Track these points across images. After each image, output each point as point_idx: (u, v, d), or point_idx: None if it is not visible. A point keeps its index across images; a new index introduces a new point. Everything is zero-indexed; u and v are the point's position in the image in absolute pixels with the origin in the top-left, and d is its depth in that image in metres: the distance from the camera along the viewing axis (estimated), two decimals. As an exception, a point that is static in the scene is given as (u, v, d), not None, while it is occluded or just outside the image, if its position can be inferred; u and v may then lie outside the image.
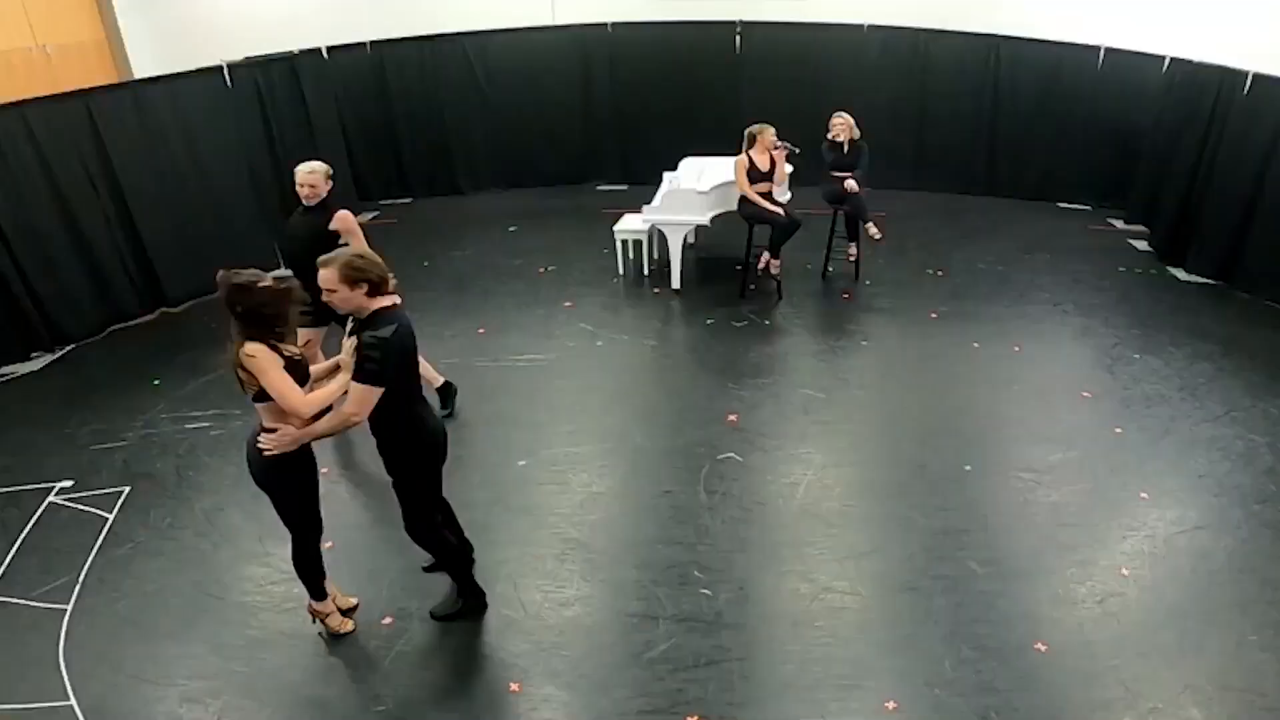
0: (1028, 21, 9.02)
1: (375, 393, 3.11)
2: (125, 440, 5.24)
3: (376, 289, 3.12)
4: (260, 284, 3.05)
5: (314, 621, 3.73)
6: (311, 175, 4.70)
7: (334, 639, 3.69)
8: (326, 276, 3.07)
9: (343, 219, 4.72)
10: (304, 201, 4.77)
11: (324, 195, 4.75)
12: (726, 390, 5.65)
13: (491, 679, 3.50)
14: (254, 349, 3.03)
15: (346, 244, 4.49)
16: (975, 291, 7.12)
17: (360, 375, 3.09)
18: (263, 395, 3.11)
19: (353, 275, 3.07)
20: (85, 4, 8.72)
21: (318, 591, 3.64)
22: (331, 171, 4.80)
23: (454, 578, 3.81)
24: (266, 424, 3.19)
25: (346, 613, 3.80)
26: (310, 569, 3.58)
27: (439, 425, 3.49)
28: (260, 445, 3.16)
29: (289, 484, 3.33)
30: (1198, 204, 7.41)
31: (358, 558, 4.20)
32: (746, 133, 6.62)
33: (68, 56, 8.41)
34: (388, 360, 3.09)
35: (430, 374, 5.18)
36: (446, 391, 5.34)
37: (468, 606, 3.82)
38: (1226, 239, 7.14)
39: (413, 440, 3.36)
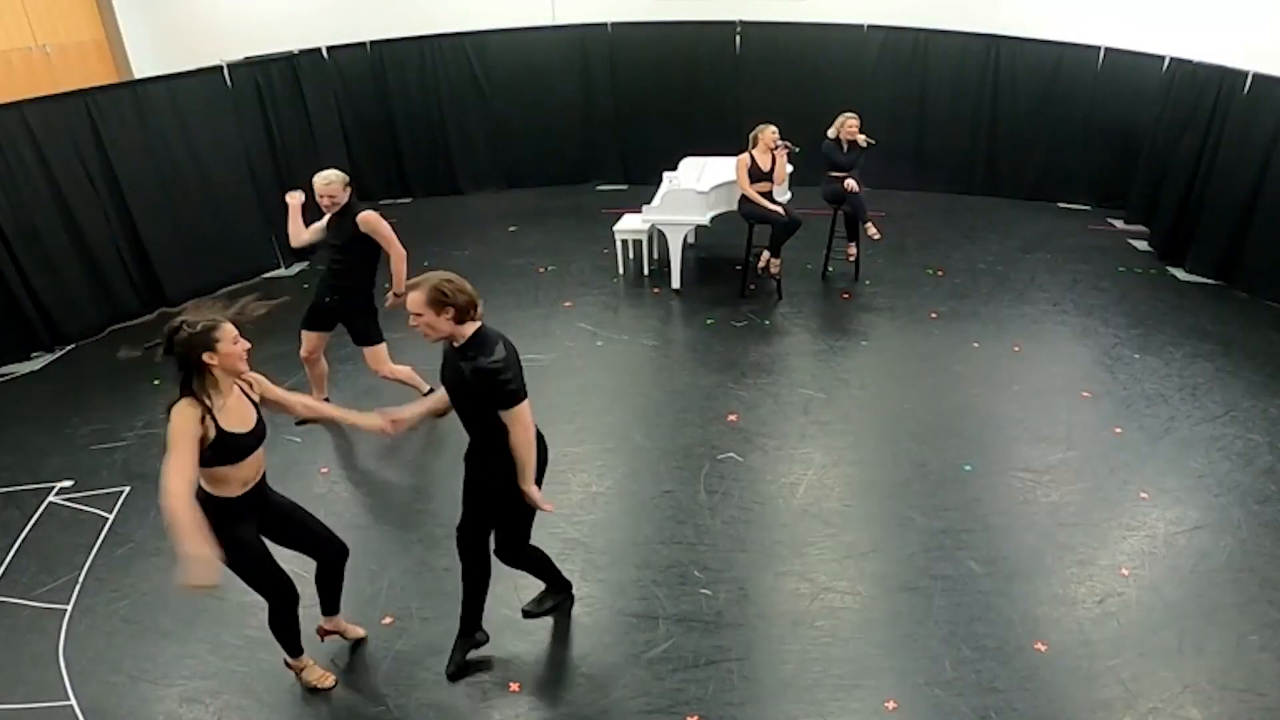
0: (1028, 21, 9.01)
1: (527, 406, 3.07)
2: (125, 440, 5.24)
3: (464, 314, 3.00)
4: (186, 325, 2.79)
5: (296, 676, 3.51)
6: (329, 186, 4.70)
7: (313, 693, 3.45)
8: (415, 300, 2.96)
9: (365, 220, 4.75)
10: (324, 211, 4.78)
11: (343, 202, 4.75)
12: (726, 390, 5.65)
13: (491, 679, 3.50)
14: (177, 417, 2.82)
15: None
16: (975, 291, 7.12)
17: (509, 401, 3.00)
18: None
19: (439, 299, 2.93)
20: (85, 4, 8.72)
21: (292, 650, 3.41)
22: (349, 179, 4.80)
23: (547, 580, 3.73)
24: (201, 484, 2.95)
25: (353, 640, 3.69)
26: (280, 630, 3.32)
27: (543, 439, 3.36)
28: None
29: (221, 549, 2.88)
30: (1197, 204, 7.41)
31: (358, 558, 4.16)
32: (752, 135, 6.64)
33: (68, 56, 8.40)
34: (518, 373, 3.03)
35: (415, 380, 5.25)
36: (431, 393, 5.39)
37: (562, 600, 3.80)
38: (1226, 239, 7.14)
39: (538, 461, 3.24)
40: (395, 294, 4.80)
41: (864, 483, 4.74)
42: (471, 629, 3.56)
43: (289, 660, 3.46)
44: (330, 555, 3.44)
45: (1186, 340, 6.23)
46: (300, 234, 4.96)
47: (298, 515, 3.33)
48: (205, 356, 2.81)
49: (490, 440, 3.14)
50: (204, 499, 2.98)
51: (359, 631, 3.74)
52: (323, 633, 3.65)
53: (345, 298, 4.98)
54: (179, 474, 2.79)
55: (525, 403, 3.08)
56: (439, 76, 9.58)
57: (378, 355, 5.08)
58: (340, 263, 4.88)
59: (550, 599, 3.77)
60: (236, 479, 3.01)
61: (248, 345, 2.91)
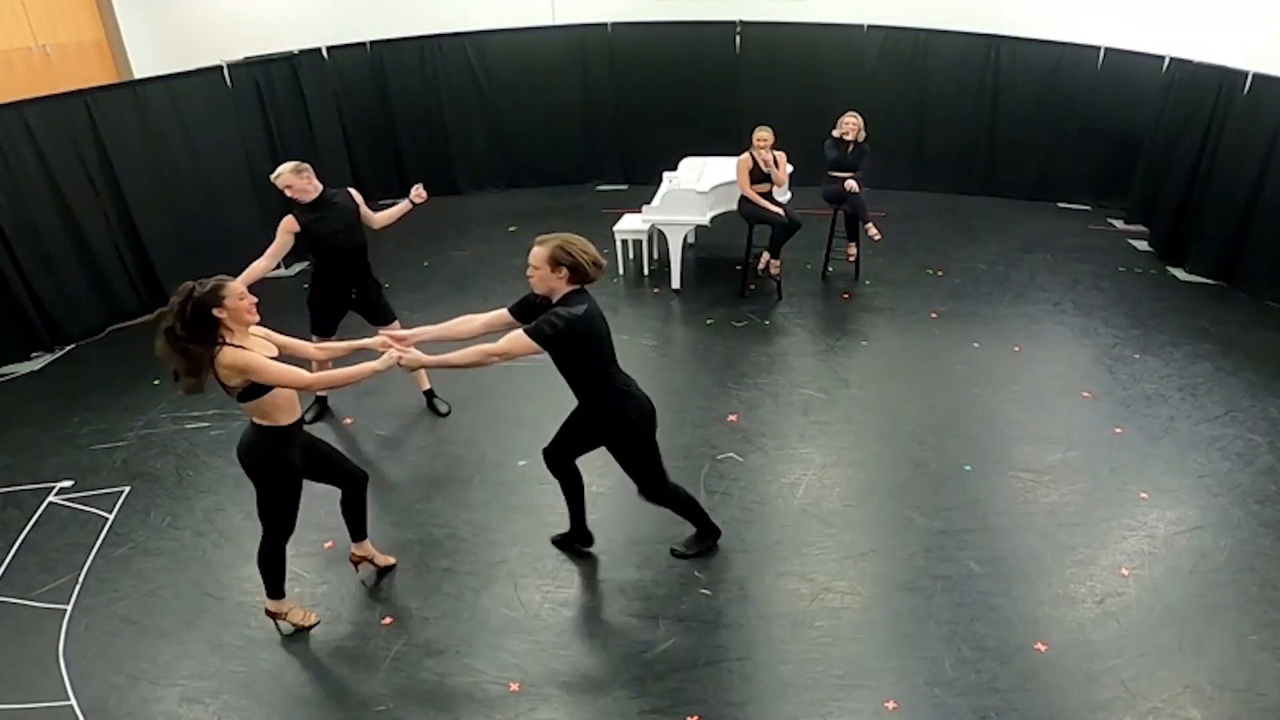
0: (1028, 21, 9.01)
1: (529, 348, 3.21)
2: (125, 440, 5.24)
3: (581, 278, 3.23)
4: (212, 289, 3.09)
5: (275, 624, 3.73)
6: (294, 176, 4.67)
7: (297, 633, 3.71)
8: (537, 254, 3.21)
9: (358, 194, 4.96)
10: (299, 199, 4.72)
11: (319, 187, 4.77)
12: (726, 390, 5.65)
13: (491, 679, 3.50)
14: (236, 354, 3.08)
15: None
16: (975, 291, 7.12)
17: (531, 329, 3.19)
18: (249, 393, 3.14)
19: (560, 258, 3.17)
20: (85, 4, 8.73)
21: (276, 590, 3.65)
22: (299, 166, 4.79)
23: (693, 522, 4.05)
24: (257, 420, 3.26)
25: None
26: (275, 568, 3.60)
27: (644, 403, 3.61)
28: (399, 358, 3.23)
29: (271, 477, 3.36)
30: (1198, 204, 7.41)
31: (358, 558, 4.20)
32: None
33: (68, 56, 8.42)
34: (566, 333, 3.20)
35: (420, 376, 5.36)
36: (430, 394, 5.49)
37: (706, 541, 4.11)
38: (1226, 239, 7.14)
39: (616, 418, 3.55)
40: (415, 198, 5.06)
41: (864, 483, 4.74)
42: (580, 534, 4.11)
43: (270, 607, 3.67)
44: (355, 484, 3.79)
45: (1186, 340, 6.23)
46: (263, 267, 4.73)
47: (324, 448, 3.70)
48: (215, 312, 3.07)
49: (588, 395, 3.51)
50: (260, 432, 3.28)
51: (389, 560, 4.08)
52: (356, 560, 3.99)
53: (364, 279, 5.06)
54: (296, 373, 3.17)
55: (530, 342, 3.20)
56: (439, 76, 9.58)
57: (396, 329, 5.12)
58: (357, 246, 4.93)
59: (699, 543, 4.10)
60: (287, 404, 3.28)
61: (254, 299, 3.19)
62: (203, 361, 3.07)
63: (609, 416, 3.60)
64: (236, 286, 3.15)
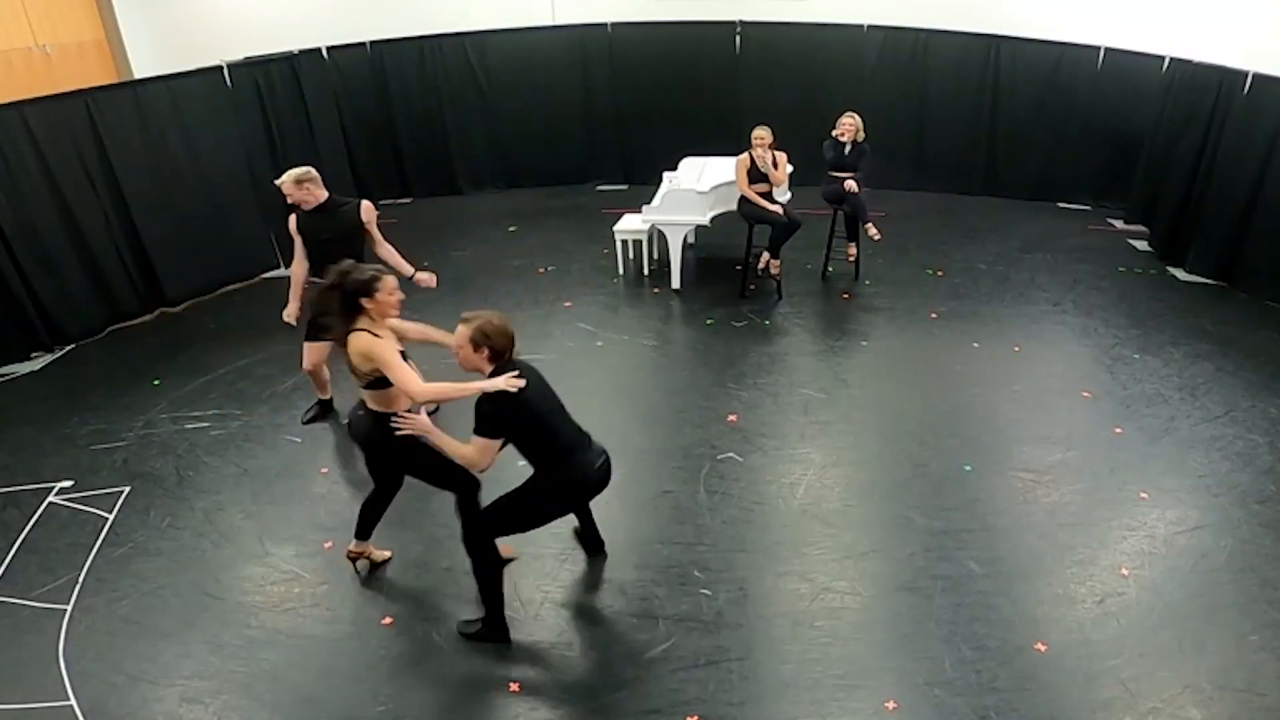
0: (1028, 21, 9.02)
1: (491, 445, 3.26)
2: (125, 440, 5.24)
3: (498, 356, 3.27)
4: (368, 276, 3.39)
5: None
6: (302, 184, 4.73)
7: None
8: (460, 332, 3.26)
9: (369, 209, 4.94)
10: (303, 207, 4.79)
11: (325, 195, 4.82)
12: (726, 390, 5.65)
13: (491, 679, 3.50)
14: (371, 342, 3.31)
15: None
16: (975, 291, 7.12)
17: (476, 427, 3.24)
18: (377, 383, 3.35)
19: (480, 339, 3.24)
20: (85, 4, 8.73)
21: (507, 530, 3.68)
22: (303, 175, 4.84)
23: (486, 602, 3.62)
24: (372, 406, 3.48)
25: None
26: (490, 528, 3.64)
27: (587, 470, 3.50)
28: (394, 425, 3.33)
29: (406, 456, 3.59)
30: (1198, 204, 7.41)
31: (358, 558, 4.20)
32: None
33: (68, 56, 8.42)
34: (499, 415, 3.22)
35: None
36: None
37: (486, 634, 3.66)
38: (1226, 239, 7.14)
39: (546, 484, 3.45)
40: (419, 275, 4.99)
41: (864, 483, 4.74)
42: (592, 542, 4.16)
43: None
44: (394, 488, 3.90)
45: (1186, 340, 6.23)
46: (299, 274, 5.02)
47: None
48: (363, 300, 3.36)
49: (530, 461, 3.43)
50: (378, 420, 3.47)
51: (385, 553, 4.14)
52: (353, 555, 4.01)
53: None
54: (414, 377, 3.36)
55: (488, 441, 3.25)
56: (439, 76, 9.58)
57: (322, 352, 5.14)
58: (348, 257, 4.88)
59: (480, 628, 3.67)
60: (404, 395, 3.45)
61: (402, 296, 3.49)
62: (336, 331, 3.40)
63: (542, 483, 3.45)
64: (390, 281, 3.41)
